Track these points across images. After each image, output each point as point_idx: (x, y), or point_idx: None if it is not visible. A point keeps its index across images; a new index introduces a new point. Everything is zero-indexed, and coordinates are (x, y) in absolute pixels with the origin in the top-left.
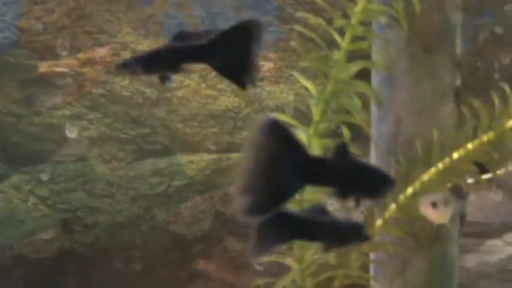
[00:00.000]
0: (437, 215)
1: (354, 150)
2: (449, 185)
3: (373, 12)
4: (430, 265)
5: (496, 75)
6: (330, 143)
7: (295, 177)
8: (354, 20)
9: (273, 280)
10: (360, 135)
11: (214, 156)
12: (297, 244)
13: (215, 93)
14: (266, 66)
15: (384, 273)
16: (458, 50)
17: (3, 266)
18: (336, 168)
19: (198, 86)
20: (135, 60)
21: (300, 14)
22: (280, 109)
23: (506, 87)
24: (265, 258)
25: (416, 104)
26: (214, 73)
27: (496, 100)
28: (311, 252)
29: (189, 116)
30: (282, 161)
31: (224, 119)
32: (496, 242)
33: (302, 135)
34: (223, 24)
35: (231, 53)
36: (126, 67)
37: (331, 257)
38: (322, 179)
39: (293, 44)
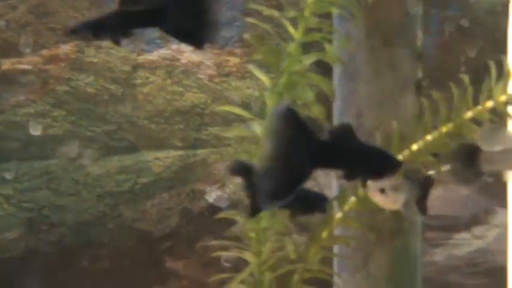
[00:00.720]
0: (386, 201)
1: None
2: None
3: (325, 4)
4: (392, 259)
5: (462, 68)
6: None
7: (309, 162)
8: (306, 12)
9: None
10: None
11: (180, 152)
12: (255, 239)
13: (181, 89)
14: (232, 61)
15: (346, 267)
16: (419, 42)
17: None
18: (343, 151)
19: (164, 82)
20: (86, 26)
21: (253, 6)
22: (246, 104)
23: (465, 79)
24: (225, 254)
25: (377, 97)
26: (180, 69)
27: (455, 92)
28: (269, 246)
29: (155, 113)
30: (298, 146)
31: (190, 115)
32: (464, 236)
33: (257, 127)
34: None
35: (184, 14)
36: (76, 32)
37: (291, 251)
38: (332, 162)
39: (246, 36)
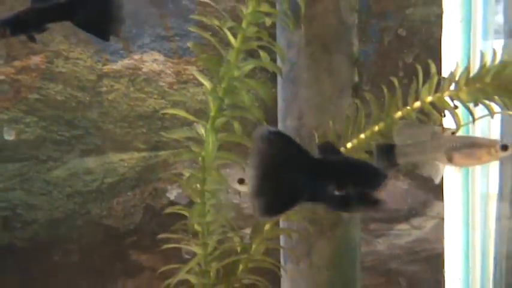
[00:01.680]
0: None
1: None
2: None
3: (261, 15)
4: (333, 249)
5: (401, 73)
6: (226, 137)
7: (305, 178)
8: (244, 22)
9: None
10: None
11: (143, 154)
12: (201, 232)
13: (143, 95)
14: (189, 70)
15: (291, 257)
16: (355, 49)
17: None
18: (333, 166)
19: (127, 89)
20: (3, 24)
21: (194, 17)
22: (202, 110)
23: (395, 81)
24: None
25: (317, 99)
26: (142, 77)
27: (386, 94)
28: (214, 238)
29: (119, 118)
30: (288, 165)
31: (152, 119)
32: (403, 226)
33: (200, 129)
34: (150, 31)
35: (91, 8)
36: None
37: (236, 243)
38: (326, 177)
39: (188, 45)
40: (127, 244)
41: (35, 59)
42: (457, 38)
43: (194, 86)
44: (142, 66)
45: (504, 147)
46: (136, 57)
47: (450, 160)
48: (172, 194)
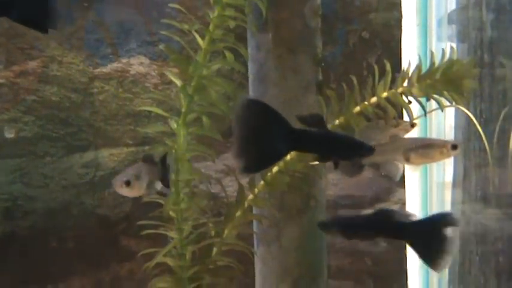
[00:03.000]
0: (131, 191)
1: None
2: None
3: (226, 18)
4: (301, 232)
5: (365, 73)
6: (196, 131)
7: (280, 145)
8: (211, 25)
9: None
10: None
11: (132, 149)
12: (176, 218)
13: (131, 96)
14: (173, 72)
15: (262, 241)
16: (319, 50)
17: None
18: (315, 137)
19: (116, 90)
20: None
21: (164, 21)
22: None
23: (354, 79)
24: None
25: (284, 97)
26: (129, 79)
27: (346, 90)
28: (189, 224)
29: (109, 116)
30: (265, 131)
31: (139, 117)
32: (369, 212)
33: (172, 124)
34: (137, 37)
35: (29, 4)
36: None
37: (210, 228)
38: (304, 146)
39: (161, 47)
40: (118, 231)
41: (32, 64)
42: (414, 40)
43: (177, 87)
44: (129, 69)
45: (454, 147)
46: (124, 61)
47: (407, 160)
48: (159, 184)
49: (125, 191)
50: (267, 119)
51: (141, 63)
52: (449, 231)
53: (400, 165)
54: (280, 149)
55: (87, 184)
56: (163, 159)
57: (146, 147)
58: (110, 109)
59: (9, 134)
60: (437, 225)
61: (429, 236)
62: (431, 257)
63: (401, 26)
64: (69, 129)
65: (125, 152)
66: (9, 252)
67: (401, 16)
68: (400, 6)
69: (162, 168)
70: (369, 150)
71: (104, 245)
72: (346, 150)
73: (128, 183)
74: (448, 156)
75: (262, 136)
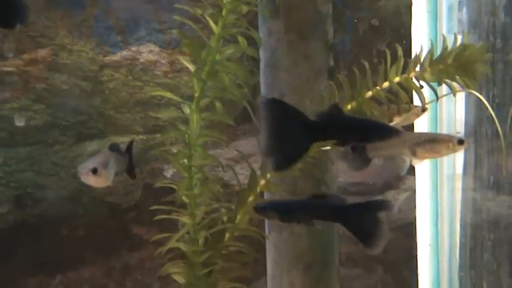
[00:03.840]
0: (98, 180)
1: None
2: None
3: (239, 3)
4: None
5: (375, 60)
6: (209, 116)
7: (304, 138)
8: (224, 10)
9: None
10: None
11: (142, 137)
12: (189, 203)
13: (140, 83)
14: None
15: (275, 226)
16: (330, 36)
17: None
18: (334, 125)
19: (126, 78)
20: None
21: (178, 6)
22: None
23: (365, 63)
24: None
25: (295, 82)
26: (139, 67)
27: (358, 76)
28: (202, 209)
29: (119, 104)
30: (288, 127)
31: (149, 105)
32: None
33: (186, 109)
34: (146, 25)
35: None
36: None
37: (222, 213)
38: (324, 135)
39: (173, 32)
40: (128, 219)
41: (42, 52)
42: (424, 27)
43: (187, 74)
44: (139, 57)
45: (460, 142)
46: (134, 49)
47: (414, 154)
48: (169, 172)
49: (92, 180)
50: (288, 116)
51: (151, 51)
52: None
53: (407, 160)
54: (305, 143)
55: None
56: (130, 148)
57: (157, 135)
58: (120, 97)
59: (20, 123)
60: (370, 209)
61: (362, 219)
62: (364, 238)
63: (411, 13)
64: (79, 117)
65: (135, 140)
66: (20, 240)
67: (411, 3)
68: None
69: (129, 158)
70: (396, 132)
71: (114, 233)
72: (370, 134)
73: (94, 171)
74: (454, 151)
75: (287, 133)
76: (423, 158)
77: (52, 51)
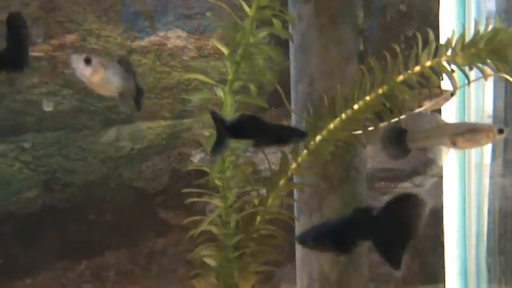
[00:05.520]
0: (94, 77)
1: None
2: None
3: None
4: (342, 202)
5: (402, 45)
6: (242, 98)
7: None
8: None
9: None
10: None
11: (169, 122)
12: (221, 186)
13: (168, 69)
14: (210, 44)
15: (304, 210)
16: (360, 21)
17: None
18: (247, 128)
19: (154, 64)
20: None
21: None
22: (223, 80)
23: (396, 47)
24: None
25: (326, 67)
26: (167, 52)
27: (389, 60)
28: (234, 192)
29: (147, 89)
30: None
31: (177, 90)
32: (406, 185)
33: (219, 92)
34: (174, 11)
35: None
36: None
37: (253, 196)
38: (241, 136)
39: (208, 14)
40: (156, 204)
41: (70, 37)
42: (453, 13)
43: (214, 60)
44: (167, 42)
45: (501, 131)
46: (162, 34)
47: (454, 144)
48: (196, 158)
49: (83, 70)
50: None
51: (179, 37)
52: None
53: (445, 150)
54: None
55: (125, 157)
56: (130, 68)
57: (184, 120)
58: (148, 82)
59: (48, 108)
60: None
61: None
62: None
63: None
64: (106, 102)
65: (162, 125)
66: (47, 225)
67: None
68: None
69: (137, 83)
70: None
71: (141, 218)
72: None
73: (87, 61)
74: (494, 140)
75: None
76: (463, 147)
77: (80, 36)
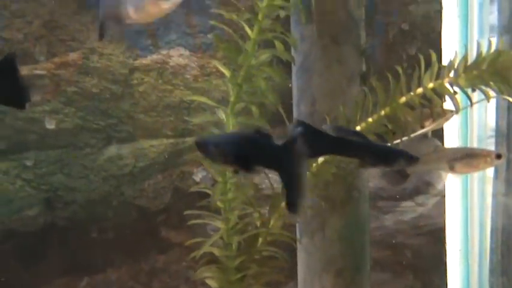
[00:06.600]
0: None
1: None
2: None
3: (276, 8)
4: (345, 223)
5: (404, 64)
6: (244, 120)
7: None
8: (260, 15)
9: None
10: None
11: (171, 140)
12: (223, 208)
13: (170, 87)
14: (212, 63)
15: (306, 231)
16: (362, 41)
17: None
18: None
19: (156, 82)
20: None
21: (214, 11)
22: (224, 99)
23: (399, 69)
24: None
25: (328, 87)
26: (169, 71)
27: (391, 81)
28: (236, 214)
29: (149, 108)
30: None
31: (179, 109)
32: (409, 204)
33: (221, 114)
34: (176, 29)
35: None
36: None
37: (255, 218)
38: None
39: (209, 36)
40: (157, 222)
41: (73, 55)
42: (455, 32)
43: (217, 78)
44: (169, 60)
45: (498, 156)
46: (164, 52)
47: (452, 169)
48: (198, 176)
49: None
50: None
51: (181, 55)
52: None
53: (444, 174)
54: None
55: (127, 175)
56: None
57: (186, 139)
58: (150, 100)
59: (50, 125)
60: None
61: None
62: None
63: (441, 18)
64: (109, 120)
65: (164, 144)
66: (49, 242)
67: (442, 8)
68: None
69: None
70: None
71: (143, 236)
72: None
73: None
74: (492, 165)
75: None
76: (461, 172)
77: (83, 54)
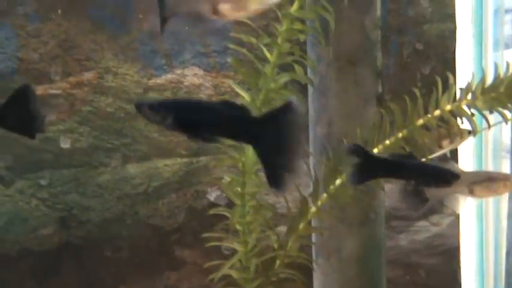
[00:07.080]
0: None
1: None
2: None
3: (295, 32)
4: (361, 244)
5: (419, 84)
6: None
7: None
8: (279, 39)
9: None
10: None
11: (186, 160)
12: (241, 231)
13: None
14: (226, 83)
15: (322, 253)
16: (379, 62)
17: (11, 258)
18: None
19: None
20: None
21: (233, 34)
22: None
23: (416, 91)
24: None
25: (344, 109)
26: (184, 90)
27: (409, 103)
28: (254, 236)
29: (163, 127)
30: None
31: None
32: (423, 224)
33: None
34: (191, 48)
35: (17, 111)
36: None
37: (273, 240)
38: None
39: (229, 60)
40: (171, 241)
41: (88, 75)
42: (470, 51)
43: (231, 98)
44: (183, 80)
45: None
46: (178, 72)
47: (471, 193)
48: (212, 195)
49: None
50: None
51: (195, 75)
52: None
53: (462, 199)
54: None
55: (142, 194)
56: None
57: (200, 158)
58: None
59: (65, 144)
60: None
61: None
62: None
63: (456, 37)
64: (123, 139)
65: (178, 163)
66: (64, 261)
67: (456, 27)
68: (455, 17)
69: None
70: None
71: (156, 255)
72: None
73: None
74: (511, 189)
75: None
76: (480, 196)
77: (97, 74)
